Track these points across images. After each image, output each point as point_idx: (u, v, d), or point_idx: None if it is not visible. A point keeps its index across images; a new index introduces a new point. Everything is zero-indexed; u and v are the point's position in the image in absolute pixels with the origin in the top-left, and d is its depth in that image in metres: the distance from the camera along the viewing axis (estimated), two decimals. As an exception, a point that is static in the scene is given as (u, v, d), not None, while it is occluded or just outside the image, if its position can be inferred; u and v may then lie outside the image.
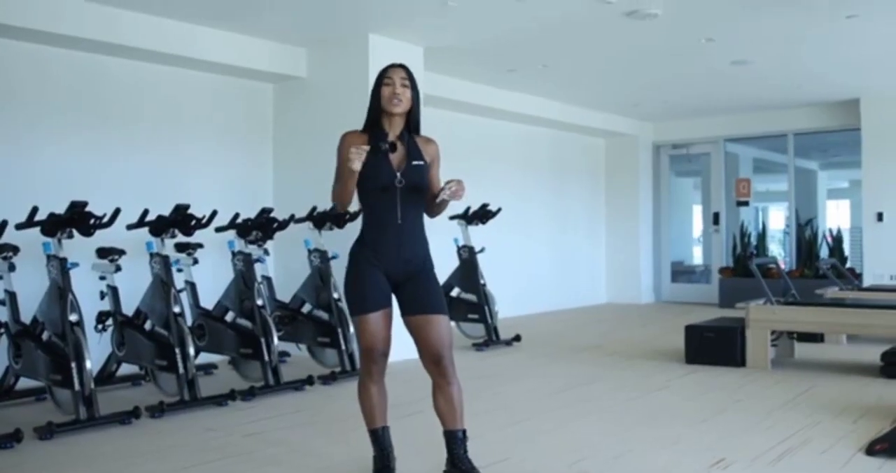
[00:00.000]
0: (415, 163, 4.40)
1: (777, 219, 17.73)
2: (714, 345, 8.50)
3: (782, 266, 12.47)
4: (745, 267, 13.54)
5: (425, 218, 4.55)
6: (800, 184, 15.23)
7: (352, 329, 7.91)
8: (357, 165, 4.13)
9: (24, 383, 6.75)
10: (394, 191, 4.33)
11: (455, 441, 4.42)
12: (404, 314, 4.41)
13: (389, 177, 4.32)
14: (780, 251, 15.92)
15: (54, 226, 6.15)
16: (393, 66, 4.46)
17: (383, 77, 4.42)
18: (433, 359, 4.37)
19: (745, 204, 15.29)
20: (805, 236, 14.56)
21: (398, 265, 4.37)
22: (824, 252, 14.41)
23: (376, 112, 4.44)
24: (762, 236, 15.29)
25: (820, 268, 12.55)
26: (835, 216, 17.86)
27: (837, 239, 14.40)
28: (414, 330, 4.39)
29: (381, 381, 4.47)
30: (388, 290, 4.38)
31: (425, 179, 4.46)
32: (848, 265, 13.95)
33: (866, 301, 9.75)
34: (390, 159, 4.35)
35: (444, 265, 9.84)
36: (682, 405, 6.68)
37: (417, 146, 4.48)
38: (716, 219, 15.61)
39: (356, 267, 4.37)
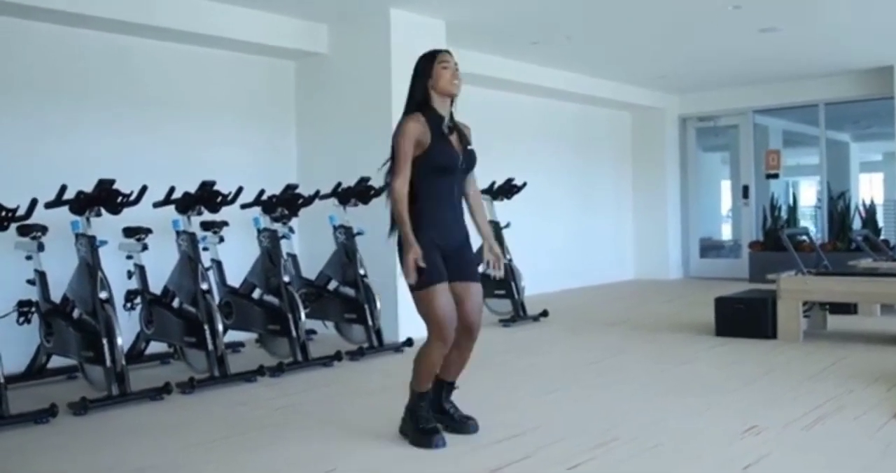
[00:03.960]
0: (470, 147, 4.88)
1: (808, 194, 17.72)
2: (744, 317, 8.58)
3: (815, 239, 12.51)
4: (776, 240, 13.58)
5: None
6: (831, 157, 15.24)
7: (378, 305, 8.06)
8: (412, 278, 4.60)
9: (56, 361, 6.92)
10: (455, 172, 4.77)
11: (449, 390, 5.09)
12: (448, 280, 4.74)
13: (455, 160, 4.75)
14: (812, 226, 15.91)
15: (83, 203, 6.30)
16: (443, 51, 4.89)
17: (437, 60, 4.81)
18: (468, 326, 4.83)
19: (775, 176, 15.29)
20: (837, 209, 14.56)
21: (454, 240, 4.80)
22: (857, 225, 14.40)
23: (427, 93, 4.78)
24: (793, 210, 15.30)
25: (853, 239, 12.58)
26: (868, 190, 17.80)
27: (871, 213, 14.41)
28: (455, 295, 4.76)
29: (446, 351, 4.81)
30: (444, 269, 4.75)
31: (475, 162, 4.96)
32: (882, 237, 13.95)
33: (900, 271, 9.79)
34: (452, 142, 4.75)
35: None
36: (713, 375, 6.81)
37: (463, 131, 4.91)
38: (745, 192, 15.63)
39: (421, 244, 4.65)
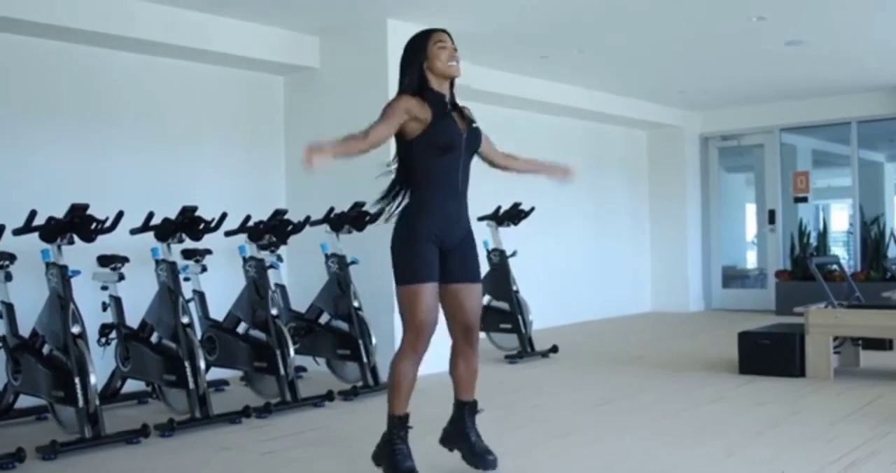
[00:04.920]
0: (475, 125, 4.86)
1: (840, 219, 17.71)
2: (770, 354, 8.56)
3: (846, 269, 12.50)
4: (805, 269, 13.58)
5: None
6: (864, 179, 15.25)
7: (374, 340, 8.04)
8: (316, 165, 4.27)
9: (24, 401, 6.90)
10: (458, 152, 4.73)
11: (472, 411, 4.97)
12: (446, 281, 4.75)
13: (458, 136, 4.72)
14: (843, 253, 15.90)
15: (54, 230, 6.29)
16: (438, 30, 4.84)
17: (433, 40, 4.77)
18: (466, 328, 4.82)
19: (804, 200, 15.30)
20: (871, 235, 14.56)
21: (455, 230, 4.78)
22: (892, 253, 14.39)
23: (423, 75, 4.77)
24: (823, 236, 15.29)
25: (888, 268, 12.58)
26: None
27: (908, 239, 14.40)
28: (452, 296, 4.76)
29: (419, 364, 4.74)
30: (438, 267, 4.70)
31: (481, 140, 4.94)
32: (919, 266, 13.95)
33: (939, 304, 9.78)
34: (455, 118, 4.74)
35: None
36: (735, 417, 6.78)
37: (465, 111, 4.91)
38: (771, 217, 15.64)
39: (414, 237, 4.66)
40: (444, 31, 4.87)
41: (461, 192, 4.82)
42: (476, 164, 5.08)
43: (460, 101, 4.99)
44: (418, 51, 4.79)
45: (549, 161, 5.15)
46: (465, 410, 5.02)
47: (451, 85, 4.88)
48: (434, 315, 4.65)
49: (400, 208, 4.83)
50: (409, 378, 4.75)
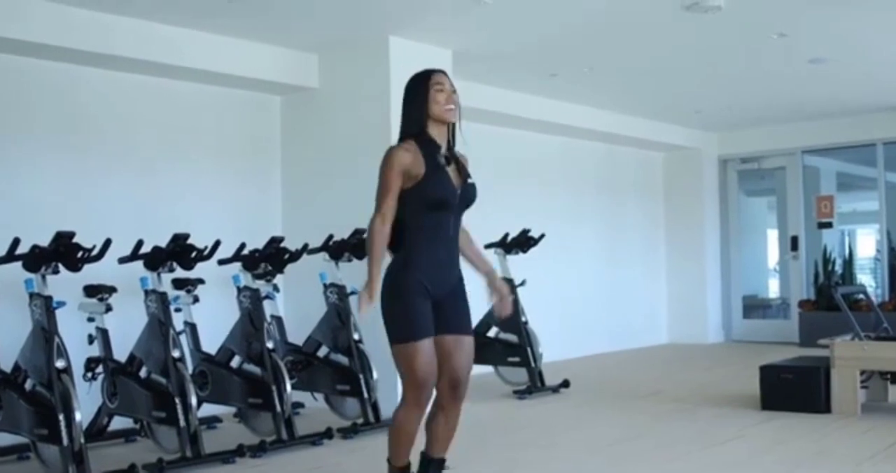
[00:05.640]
0: (470, 180, 4.82)
1: (866, 244, 17.68)
2: (794, 388, 8.53)
3: (873, 298, 12.48)
4: (829, 299, 13.55)
5: None
6: (892, 202, 15.20)
7: (375, 374, 8.02)
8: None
9: (5, 439, 6.86)
10: (452, 207, 4.72)
11: (437, 470, 4.90)
12: (436, 332, 4.73)
13: (451, 192, 4.70)
14: (870, 281, 15.88)
15: (38, 259, 6.29)
16: (437, 70, 4.83)
17: (431, 82, 4.75)
18: (453, 383, 4.77)
19: (829, 225, 15.27)
20: (900, 262, 14.55)
21: (447, 284, 4.77)
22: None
23: (422, 119, 4.74)
24: (849, 263, 15.28)
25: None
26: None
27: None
28: (442, 348, 4.73)
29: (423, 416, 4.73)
30: (432, 320, 4.68)
31: (475, 196, 4.88)
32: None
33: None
34: (449, 174, 4.71)
35: (480, 301, 9.95)
36: (756, 457, 6.76)
37: (462, 161, 4.88)
38: (794, 244, 15.61)
39: (404, 291, 4.66)
40: (442, 72, 4.87)
41: (451, 243, 4.82)
42: (483, 187, 5.07)
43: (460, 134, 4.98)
44: (417, 93, 4.79)
45: (496, 279, 5.05)
46: (430, 467, 4.93)
47: (451, 130, 4.87)
48: (433, 370, 4.65)
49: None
50: (412, 430, 4.77)
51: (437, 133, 4.78)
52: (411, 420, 4.72)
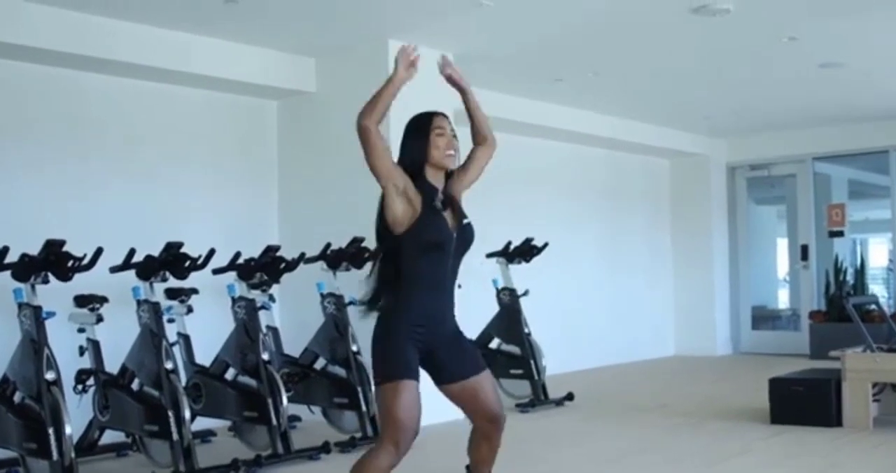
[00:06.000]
0: (465, 221, 4.79)
1: (879, 253, 17.67)
2: (804, 402, 8.52)
3: (885, 309, 12.46)
4: (841, 310, 13.53)
5: None
6: (905, 211, 15.23)
7: (374, 387, 7.99)
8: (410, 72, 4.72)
9: (-7, 454, 6.89)
10: (447, 252, 4.69)
11: None
12: (449, 381, 4.74)
13: (447, 236, 4.68)
14: (882, 292, 15.87)
15: (27, 268, 6.30)
16: (437, 113, 4.84)
17: (433, 125, 4.75)
18: (492, 419, 4.80)
19: (840, 234, 15.24)
20: (913, 272, 14.54)
21: (443, 329, 4.74)
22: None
23: (421, 162, 4.73)
24: (860, 273, 15.25)
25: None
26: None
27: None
28: (467, 394, 4.74)
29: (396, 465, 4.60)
30: (418, 367, 4.65)
31: (473, 239, 4.85)
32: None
33: None
34: (445, 218, 4.70)
35: (481, 311, 9.94)
36: (766, 472, 6.75)
37: (458, 200, 4.86)
38: (804, 253, 15.59)
39: (392, 333, 4.62)
40: (443, 114, 4.85)
41: (448, 289, 4.78)
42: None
43: (459, 136, 4.96)
44: (417, 136, 4.77)
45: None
46: None
47: (447, 177, 4.84)
48: (415, 415, 4.51)
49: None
50: None
51: (434, 177, 4.75)
52: (385, 461, 4.50)
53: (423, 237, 4.62)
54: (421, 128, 4.77)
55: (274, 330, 8.52)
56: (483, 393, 4.75)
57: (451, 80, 4.95)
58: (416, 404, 4.53)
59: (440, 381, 4.75)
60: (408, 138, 4.81)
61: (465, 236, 4.79)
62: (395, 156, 4.73)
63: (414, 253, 4.63)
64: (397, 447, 4.48)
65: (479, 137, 5.02)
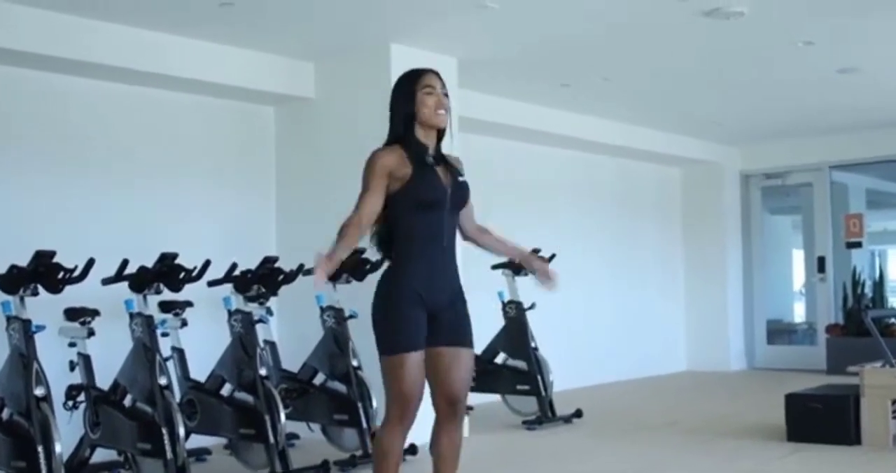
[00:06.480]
0: (461, 179, 4.82)
1: (898, 264, 17.72)
2: (821, 419, 8.49)
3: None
4: (859, 323, 13.52)
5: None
6: (926, 221, 15.24)
7: (375, 403, 7.99)
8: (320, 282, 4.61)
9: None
10: (442, 208, 4.71)
11: None
12: (433, 344, 4.73)
13: (441, 191, 4.70)
14: (903, 304, 15.87)
15: (16, 280, 6.30)
16: (427, 71, 4.85)
17: (420, 83, 4.77)
18: (451, 399, 4.78)
19: (858, 245, 15.20)
20: (934, 285, 14.53)
21: (443, 293, 4.75)
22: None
23: (409, 122, 4.75)
24: (879, 285, 15.24)
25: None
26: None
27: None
28: (438, 362, 4.74)
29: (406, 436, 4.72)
30: (425, 331, 4.68)
31: (468, 196, 4.88)
32: None
33: None
34: (438, 173, 4.72)
35: (487, 325, 9.92)
36: (784, 492, 6.76)
37: (452, 162, 4.89)
38: (821, 265, 15.57)
39: (394, 300, 4.67)
40: (434, 72, 4.87)
41: (447, 247, 4.80)
42: (490, 204, 5.07)
43: (462, 143, 4.99)
44: (405, 95, 4.80)
45: (531, 254, 5.14)
46: None
47: (440, 135, 4.87)
48: (420, 386, 4.66)
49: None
50: (396, 451, 4.77)
51: (424, 136, 4.79)
52: (395, 438, 4.73)
53: (418, 195, 4.67)
54: (407, 87, 4.79)
55: (271, 345, 8.49)
56: (460, 366, 4.77)
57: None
58: (421, 376, 4.66)
59: (427, 343, 4.74)
60: (396, 98, 4.84)
61: (461, 192, 4.83)
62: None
63: (408, 212, 4.68)
64: (403, 422, 4.69)
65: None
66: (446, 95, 4.83)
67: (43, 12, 7.71)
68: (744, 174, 16.31)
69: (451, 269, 4.83)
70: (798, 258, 17.24)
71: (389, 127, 4.89)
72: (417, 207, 4.67)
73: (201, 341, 8.21)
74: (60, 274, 6.34)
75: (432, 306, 4.70)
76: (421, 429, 4.99)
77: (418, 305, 4.66)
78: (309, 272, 8.26)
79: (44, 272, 6.30)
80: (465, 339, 4.82)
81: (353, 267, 8.32)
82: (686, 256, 16.18)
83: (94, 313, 7.15)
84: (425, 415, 4.91)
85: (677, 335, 16.02)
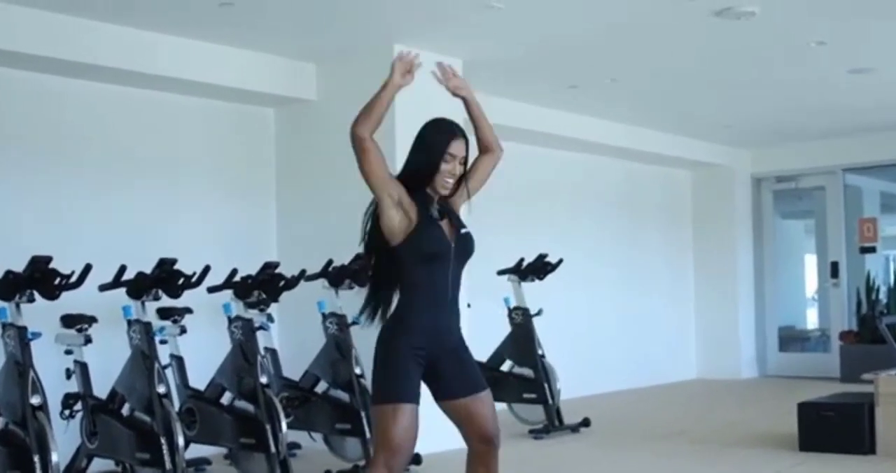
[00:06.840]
0: (464, 231, 4.82)
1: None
2: (835, 428, 8.49)
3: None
4: (873, 330, 13.50)
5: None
6: (942, 225, 15.22)
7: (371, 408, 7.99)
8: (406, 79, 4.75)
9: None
10: (447, 261, 4.72)
11: None
12: (448, 397, 4.75)
13: (445, 245, 4.72)
14: (918, 310, 15.83)
15: (12, 286, 6.30)
16: (457, 136, 4.79)
17: (444, 149, 4.73)
18: (486, 440, 4.76)
19: (872, 250, 15.19)
20: (950, 290, 14.52)
21: (447, 342, 4.75)
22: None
23: (422, 177, 4.75)
24: (894, 291, 15.22)
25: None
26: None
27: None
28: (463, 412, 4.74)
29: None
30: (419, 388, 4.68)
31: (473, 248, 4.89)
32: None
33: None
34: (442, 228, 4.74)
35: (492, 332, 9.93)
36: (796, 503, 6.76)
37: (455, 211, 4.92)
38: (834, 270, 15.54)
39: (393, 355, 4.66)
40: (463, 137, 4.81)
41: (451, 300, 4.81)
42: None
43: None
44: (431, 155, 4.75)
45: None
46: None
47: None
48: (411, 439, 4.62)
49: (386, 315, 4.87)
50: None
51: (433, 190, 4.79)
52: None
53: (421, 248, 4.66)
54: (435, 147, 4.76)
55: (272, 352, 8.50)
56: (485, 411, 4.77)
57: (453, 90, 4.96)
58: (414, 428, 4.61)
59: (438, 397, 4.77)
60: (419, 149, 4.80)
61: (465, 245, 4.83)
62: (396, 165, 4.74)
63: (412, 265, 4.67)
64: (390, 471, 4.59)
65: (484, 146, 5.08)
66: (463, 163, 4.82)
67: (39, 12, 7.73)
68: (755, 177, 16.30)
69: (455, 322, 4.84)
70: (811, 263, 17.21)
71: (405, 166, 4.85)
72: (422, 260, 4.68)
73: (201, 348, 8.22)
74: (57, 280, 6.34)
75: (433, 358, 4.70)
76: (427, 437, 4.99)
77: (417, 363, 4.65)
78: (311, 277, 8.28)
79: (40, 278, 6.30)
80: (478, 384, 4.82)
81: (355, 273, 8.33)
82: (696, 261, 16.18)
83: (92, 320, 7.16)
84: (432, 421, 4.93)
85: (687, 342, 16.00)
